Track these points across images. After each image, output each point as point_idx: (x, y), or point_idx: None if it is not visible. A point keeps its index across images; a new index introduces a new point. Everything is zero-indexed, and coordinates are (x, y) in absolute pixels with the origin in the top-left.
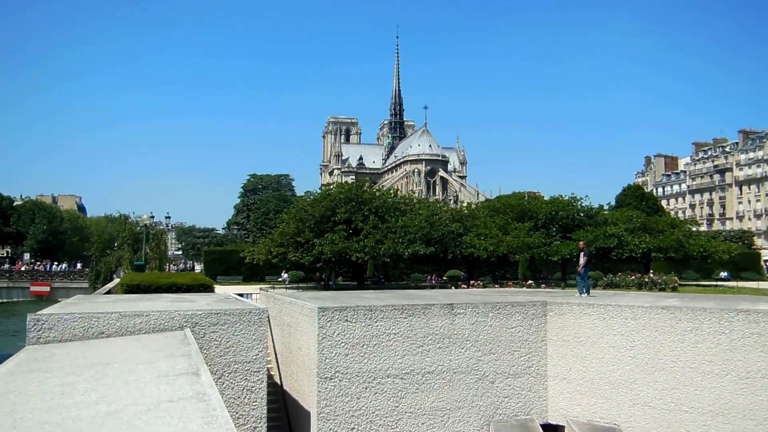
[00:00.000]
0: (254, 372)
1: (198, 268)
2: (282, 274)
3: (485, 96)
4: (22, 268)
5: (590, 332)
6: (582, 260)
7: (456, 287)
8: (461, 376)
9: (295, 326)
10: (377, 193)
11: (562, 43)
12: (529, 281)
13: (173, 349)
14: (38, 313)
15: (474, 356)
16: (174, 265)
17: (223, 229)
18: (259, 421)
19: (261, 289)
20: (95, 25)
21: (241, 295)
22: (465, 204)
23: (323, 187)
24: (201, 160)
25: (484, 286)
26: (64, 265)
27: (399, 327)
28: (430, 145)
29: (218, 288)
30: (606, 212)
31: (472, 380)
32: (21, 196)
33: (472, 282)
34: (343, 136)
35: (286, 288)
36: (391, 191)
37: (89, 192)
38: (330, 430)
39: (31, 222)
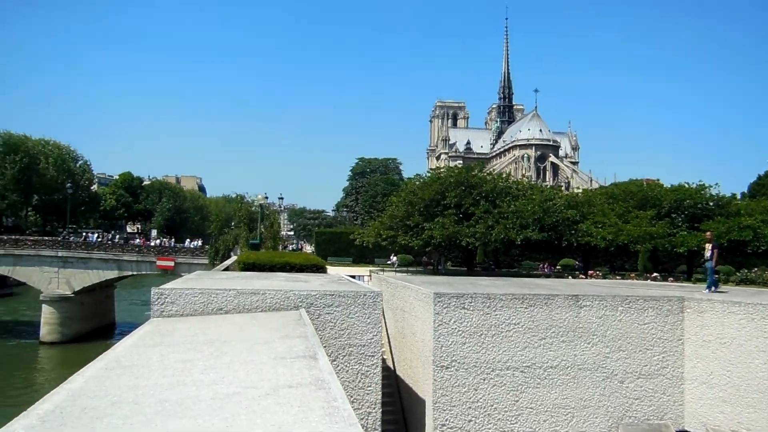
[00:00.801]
0: (369, 356)
1: (307, 248)
2: (391, 257)
3: (598, 79)
4: (152, 243)
5: (736, 333)
6: (709, 252)
7: (573, 277)
8: (587, 373)
9: (409, 311)
10: (488, 177)
11: (683, 21)
12: (654, 274)
13: (289, 330)
14: (161, 287)
15: (601, 353)
16: (285, 245)
17: (332, 210)
18: (373, 406)
19: (371, 271)
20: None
21: (353, 276)
22: (580, 190)
23: (431, 171)
24: (313, 144)
25: (603, 277)
26: (197, 242)
27: (519, 317)
28: (540, 130)
29: (329, 269)
30: (739, 202)
31: (599, 378)
32: (149, 176)
33: (590, 272)
34: (450, 120)
35: (395, 271)
36: (502, 176)
37: (209, 173)
38: (446, 420)
39: (158, 200)
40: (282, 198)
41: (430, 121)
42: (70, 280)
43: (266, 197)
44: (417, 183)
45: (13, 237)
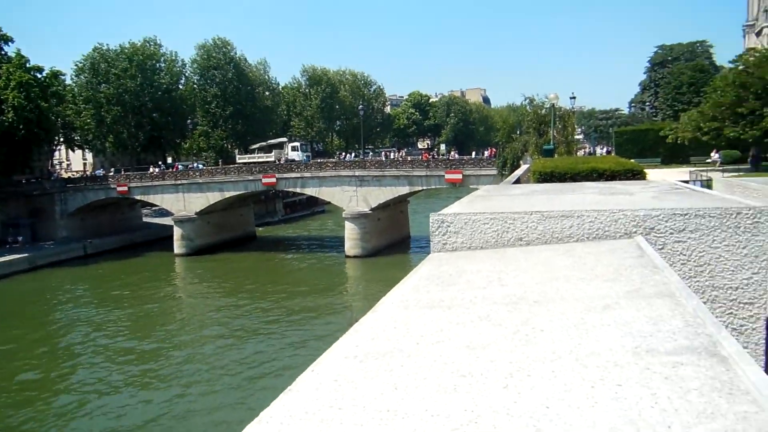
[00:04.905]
0: (744, 304)
1: (600, 151)
2: (712, 154)
3: None
4: (448, 157)
5: None
6: None
7: None
8: None
9: None
10: None
11: None
12: None
13: (634, 278)
14: (441, 212)
15: None
16: (577, 149)
17: (631, 107)
18: None
19: (691, 172)
20: None
21: (685, 182)
22: None
23: (749, 52)
24: (598, 37)
25: None
26: (486, 153)
27: None
28: None
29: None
30: None
31: None
32: (435, 93)
33: None
34: None
35: (721, 171)
36: None
37: (492, 84)
38: None
39: (445, 116)
40: (574, 97)
41: None
42: (367, 198)
43: (557, 97)
44: (752, 59)
45: (318, 161)
